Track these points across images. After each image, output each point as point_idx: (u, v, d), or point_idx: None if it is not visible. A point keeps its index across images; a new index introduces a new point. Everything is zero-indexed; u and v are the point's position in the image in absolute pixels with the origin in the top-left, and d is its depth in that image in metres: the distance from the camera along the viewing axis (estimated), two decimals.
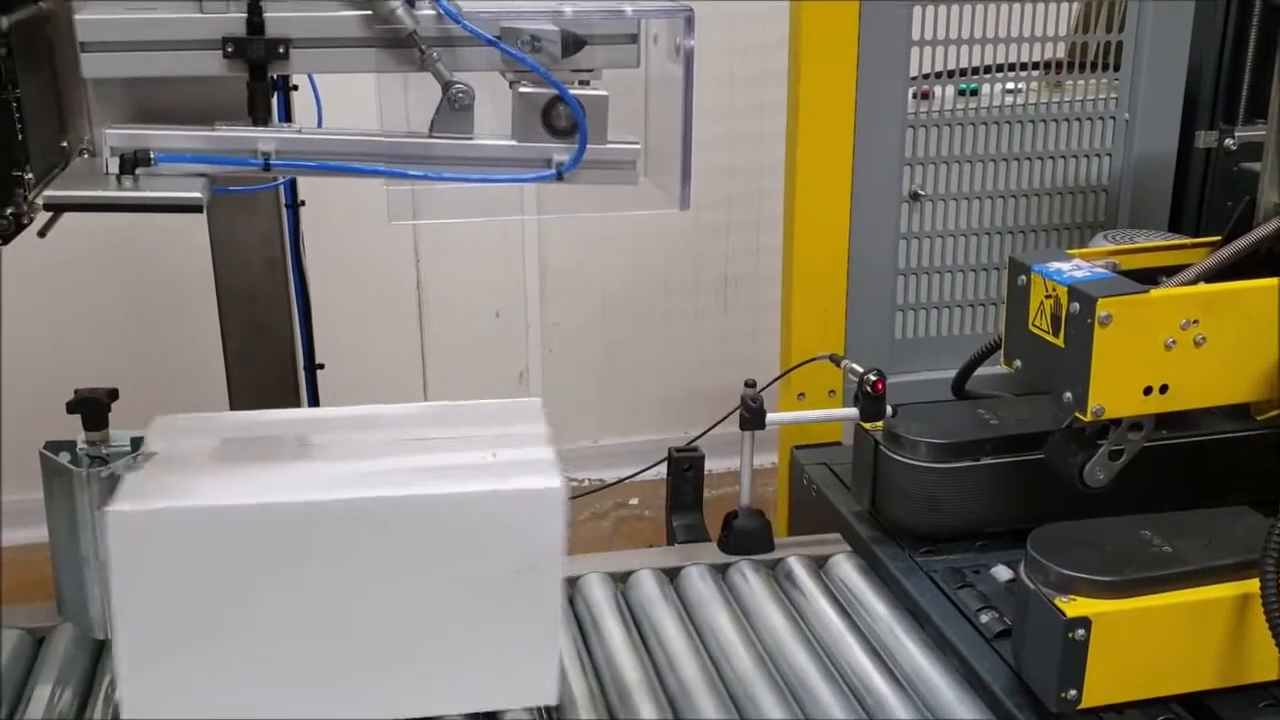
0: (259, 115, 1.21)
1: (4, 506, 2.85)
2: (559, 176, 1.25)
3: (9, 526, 2.89)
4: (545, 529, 1.13)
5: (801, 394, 1.96)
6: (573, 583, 1.56)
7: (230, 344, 1.88)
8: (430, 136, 1.24)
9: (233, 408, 1.91)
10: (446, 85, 1.22)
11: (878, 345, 2.02)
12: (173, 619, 1.10)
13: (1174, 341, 1.34)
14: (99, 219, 1.22)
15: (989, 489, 1.63)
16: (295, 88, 1.70)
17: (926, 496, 1.62)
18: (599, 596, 1.53)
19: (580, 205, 1.34)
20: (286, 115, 1.62)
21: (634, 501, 3.26)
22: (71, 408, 1.38)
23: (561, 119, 1.25)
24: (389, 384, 3.15)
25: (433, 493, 1.12)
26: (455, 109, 1.23)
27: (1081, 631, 1.24)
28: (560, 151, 1.26)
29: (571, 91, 1.24)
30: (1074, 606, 1.25)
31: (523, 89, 1.24)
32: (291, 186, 1.86)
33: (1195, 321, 1.34)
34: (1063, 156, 2.05)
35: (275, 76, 1.26)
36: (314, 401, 2.01)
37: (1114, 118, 2.05)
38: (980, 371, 1.80)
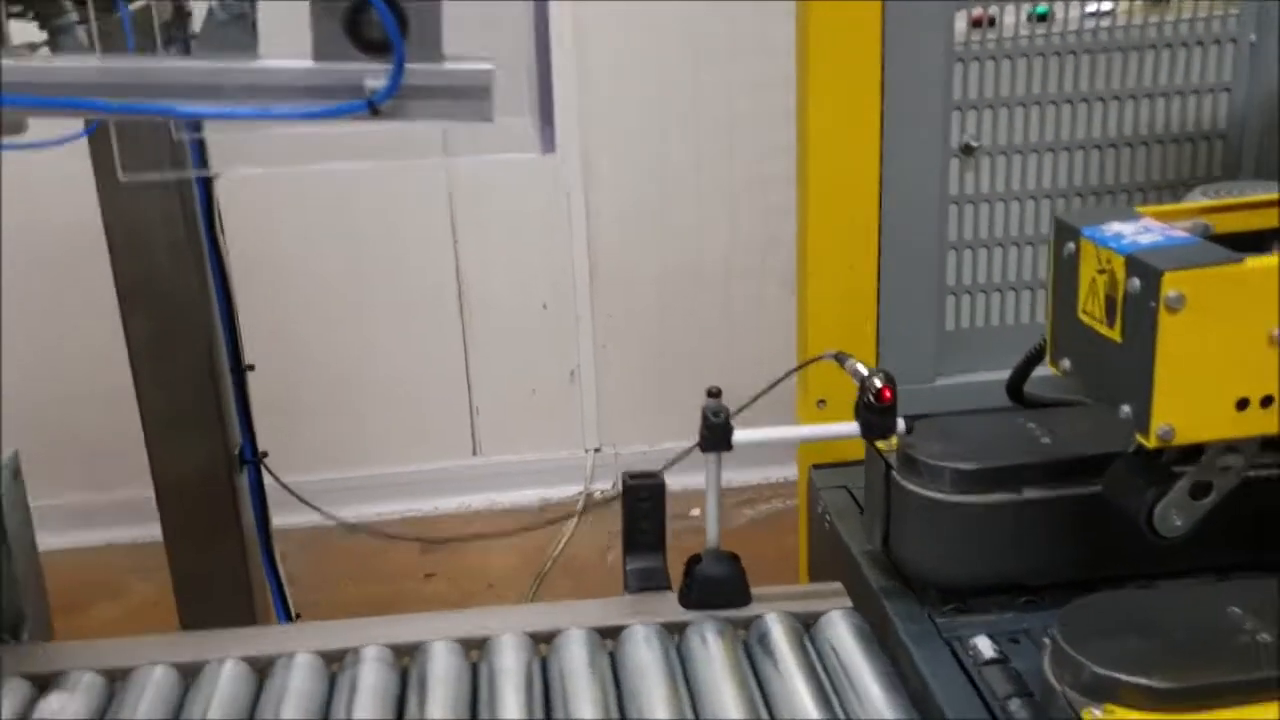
0: None
1: None
2: (371, 108, 0.92)
3: None
4: None
5: (821, 401, 1.57)
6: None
7: (135, 348, 1.60)
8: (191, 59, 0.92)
9: (145, 423, 1.63)
10: None
11: (921, 338, 1.61)
12: None
13: None
14: None
15: (1035, 530, 1.23)
16: None
17: (949, 539, 1.24)
18: (510, 664, 1.19)
19: (425, 148, 1.01)
20: None
21: (695, 512, 2.91)
22: None
23: (374, 28, 0.92)
24: (431, 389, 2.90)
25: None
26: (225, 18, 0.91)
27: None
28: (375, 75, 0.93)
29: None
30: None
31: None
32: (199, 148, 1.50)
33: None
34: (1164, 94, 1.60)
35: None
36: (243, 408, 1.71)
37: (1235, 40, 1.59)
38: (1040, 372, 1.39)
